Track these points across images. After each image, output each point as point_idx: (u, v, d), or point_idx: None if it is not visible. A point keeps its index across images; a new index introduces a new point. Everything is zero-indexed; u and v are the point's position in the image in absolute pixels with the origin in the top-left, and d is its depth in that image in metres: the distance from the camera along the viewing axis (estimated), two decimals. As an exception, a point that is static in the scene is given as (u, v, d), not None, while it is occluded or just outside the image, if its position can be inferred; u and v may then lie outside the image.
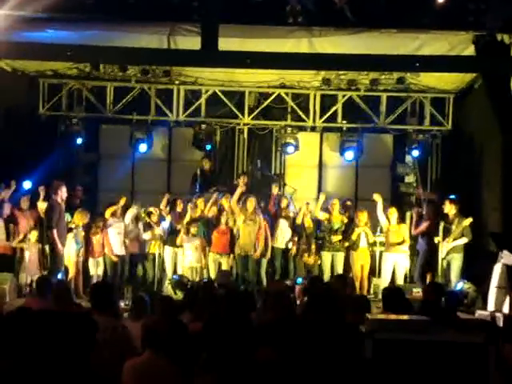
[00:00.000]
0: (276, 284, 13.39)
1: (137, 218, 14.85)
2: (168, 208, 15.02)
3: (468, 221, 13.80)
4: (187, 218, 14.68)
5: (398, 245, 14.51)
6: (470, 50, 13.79)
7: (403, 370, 5.23)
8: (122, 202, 14.79)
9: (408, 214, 16.04)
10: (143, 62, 15.13)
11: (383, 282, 14.33)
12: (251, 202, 14.52)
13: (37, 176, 15.32)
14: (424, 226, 14.46)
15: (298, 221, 14.92)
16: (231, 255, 14.66)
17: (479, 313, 11.85)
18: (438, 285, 10.01)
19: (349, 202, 15.85)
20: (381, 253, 14.85)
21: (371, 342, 5.37)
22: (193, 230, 14.45)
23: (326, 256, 14.81)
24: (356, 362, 4.59)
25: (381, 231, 14.93)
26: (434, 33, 13.94)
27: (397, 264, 14.56)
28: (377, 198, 14.58)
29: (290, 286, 12.76)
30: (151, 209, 14.85)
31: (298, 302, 9.53)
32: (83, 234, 14.35)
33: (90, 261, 14.49)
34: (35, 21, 13.28)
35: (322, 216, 14.92)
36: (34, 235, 14.11)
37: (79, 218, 14.31)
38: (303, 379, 3.85)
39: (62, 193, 13.77)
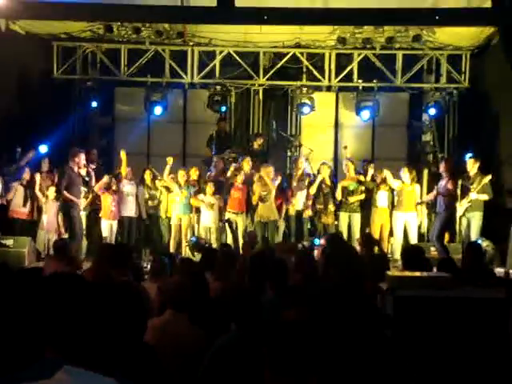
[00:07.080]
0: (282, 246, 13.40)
1: (153, 180, 14.88)
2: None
3: (487, 178, 13.48)
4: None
5: (410, 204, 14.44)
6: (487, 5, 13.56)
7: (424, 327, 5.23)
8: (123, 156, 14.65)
9: (425, 172, 15.91)
10: (158, 20, 14.99)
11: (396, 241, 14.27)
12: (268, 172, 14.36)
13: (52, 140, 15.32)
14: (450, 184, 13.97)
15: (313, 190, 14.73)
16: (247, 215, 14.58)
17: (497, 270, 11.86)
18: (477, 245, 9.96)
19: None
20: (391, 212, 14.74)
21: (392, 299, 5.37)
22: (209, 189, 14.39)
23: (343, 217, 14.62)
24: (377, 320, 4.57)
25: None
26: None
27: (407, 223, 14.40)
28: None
29: (307, 247, 12.81)
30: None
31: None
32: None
33: (103, 222, 14.40)
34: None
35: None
36: (51, 191, 14.00)
37: None
38: (329, 338, 3.84)
39: (80, 160, 13.39)
